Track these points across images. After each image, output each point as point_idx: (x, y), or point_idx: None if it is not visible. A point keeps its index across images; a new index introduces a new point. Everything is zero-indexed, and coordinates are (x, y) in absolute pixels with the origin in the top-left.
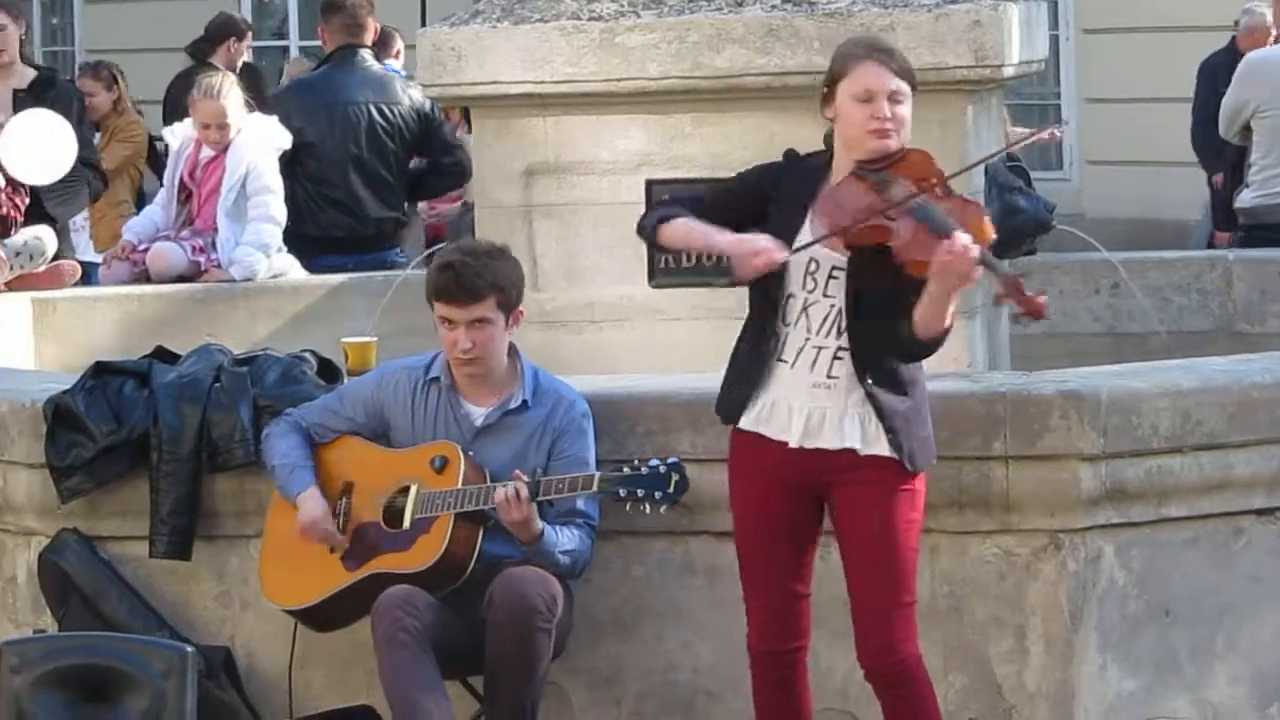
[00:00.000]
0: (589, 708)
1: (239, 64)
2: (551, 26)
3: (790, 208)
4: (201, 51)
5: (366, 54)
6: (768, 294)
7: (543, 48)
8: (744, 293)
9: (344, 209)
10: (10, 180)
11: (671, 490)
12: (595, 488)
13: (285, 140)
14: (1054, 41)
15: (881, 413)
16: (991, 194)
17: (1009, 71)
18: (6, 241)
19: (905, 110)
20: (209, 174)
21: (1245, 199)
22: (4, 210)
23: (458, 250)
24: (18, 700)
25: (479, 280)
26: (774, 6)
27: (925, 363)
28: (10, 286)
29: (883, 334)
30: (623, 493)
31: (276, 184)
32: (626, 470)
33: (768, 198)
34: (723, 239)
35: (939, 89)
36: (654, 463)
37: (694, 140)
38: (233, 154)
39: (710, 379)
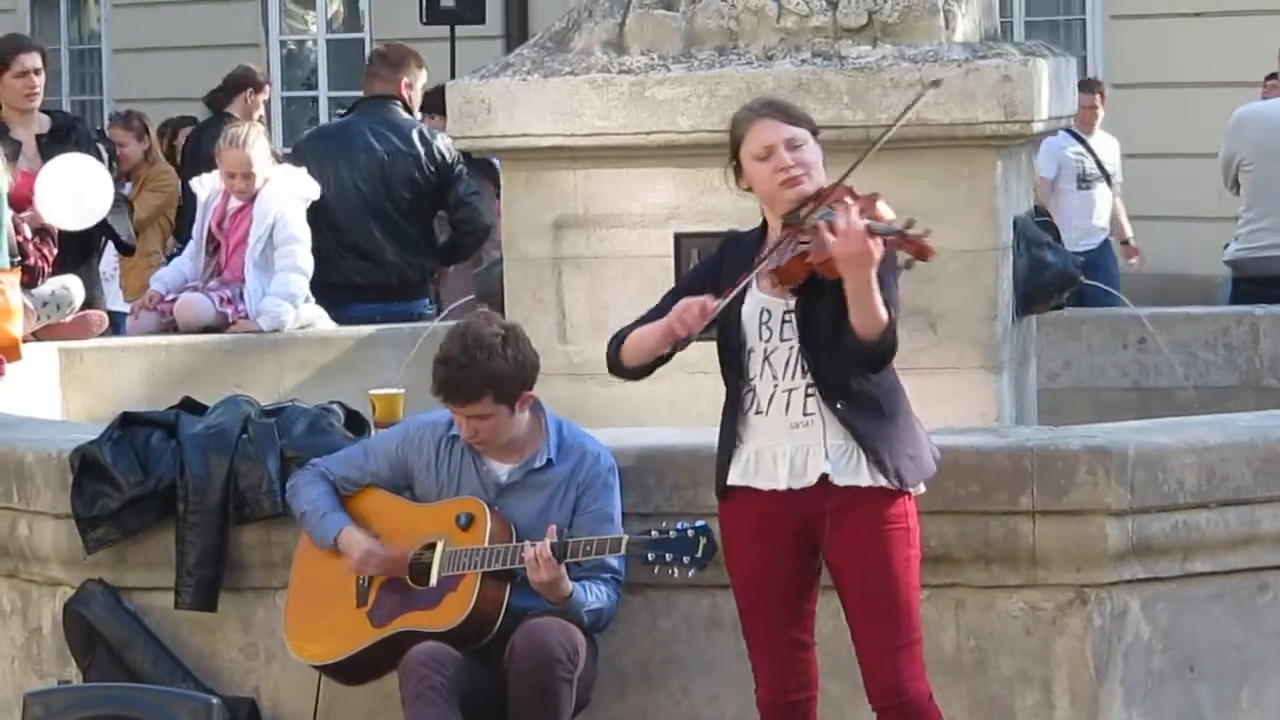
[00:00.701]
0: None
1: (256, 115)
2: (582, 79)
3: (733, 280)
4: (218, 102)
5: (397, 105)
6: (730, 358)
7: (572, 100)
8: None
9: (362, 254)
10: (38, 230)
11: (700, 554)
12: (623, 551)
13: (313, 191)
14: None
15: (860, 437)
16: (1020, 249)
17: (1038, 127)
18: (34, 291)
19: (808, 154)
20: (236, 224)
21: (1230, 252)
22: (32, 260)
23: (459, 342)
24: None
25: (472, 383)
26: (804, 61)
27: (950, 416)
28: (38, 336)
29: (841, 360)
30: (650, 556)
31: (304, 234)
32: (654, 534)
33: (716, 282)
34: (661, 320)
35: (968, 144)
36: (682, 525)
37: (723, 194)
38: (260, 204)
39: None
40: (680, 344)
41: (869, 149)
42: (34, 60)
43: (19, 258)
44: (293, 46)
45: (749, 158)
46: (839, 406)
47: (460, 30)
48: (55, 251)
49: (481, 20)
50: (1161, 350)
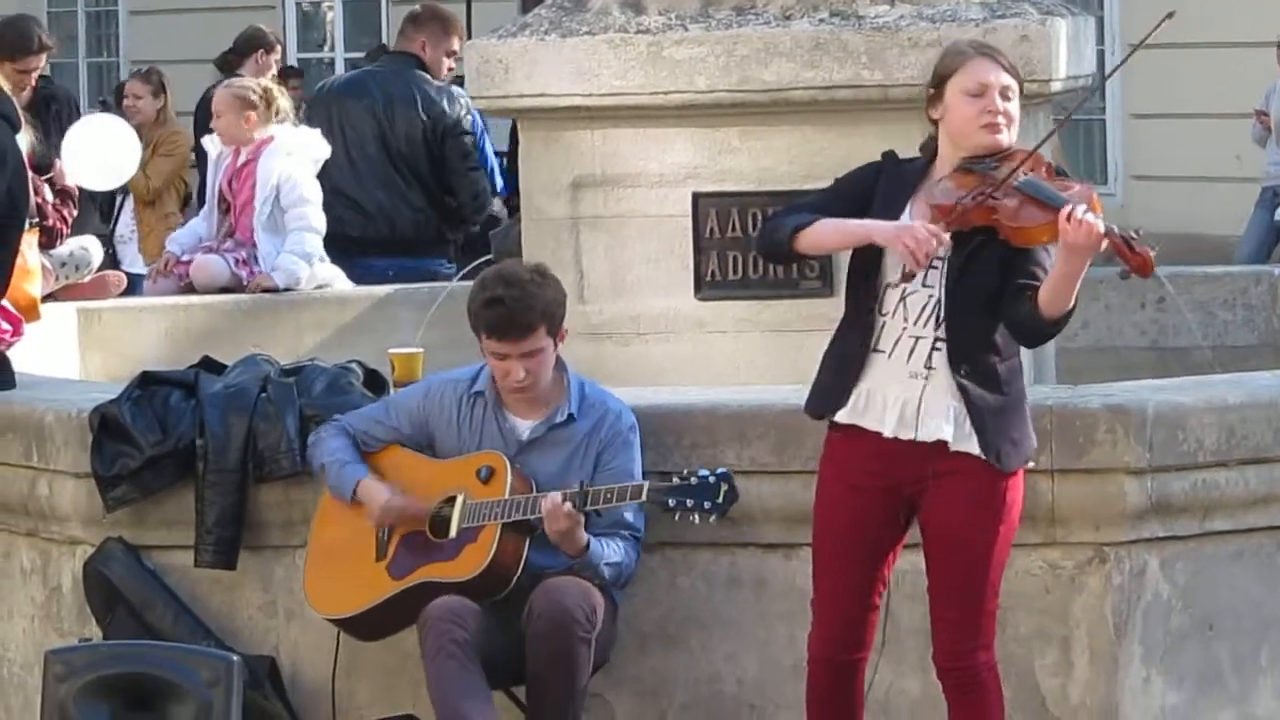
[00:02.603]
0: (633, 719)
1: (268, 76)
2: (599, 39)
3: (890, 206)
4: (230, 64)
5: (412, 63)
6: (867, 284)
7: (590, 60)
8: (789, 306)
9: (358, 207)
10: (58, 192)
11: (721, 500)
12: (644, 498)
13: (323, 150)
14: (1100, 56)
15: (972, 407)
16: None
17: (1056, 86)
18: (53, 252)
19: (1015, 108)
20: (242, 183)
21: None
22: (50, 221)
23: (501, 282)
24: (63, 709)
25: (529, 313)
26: (822, 20)
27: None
28: (56, 297)
29: (980, 326)
30: (671, 503)
31: (313, 193)
32: (675, 480)
33: (868, 199)
34: (879, 227)
35: None
36: (703, 473)
37: (741, 153)
38: (261, 166)
39: (757, 391)
40: (905, 275)
41: (1069, 114)
42: (39, 62)
43: (38, 219)
44: (308, 8)
45: (958, 90)
46: (962, 370)
47: None
48: (75, 213)
49: None
50: (1180, 310)
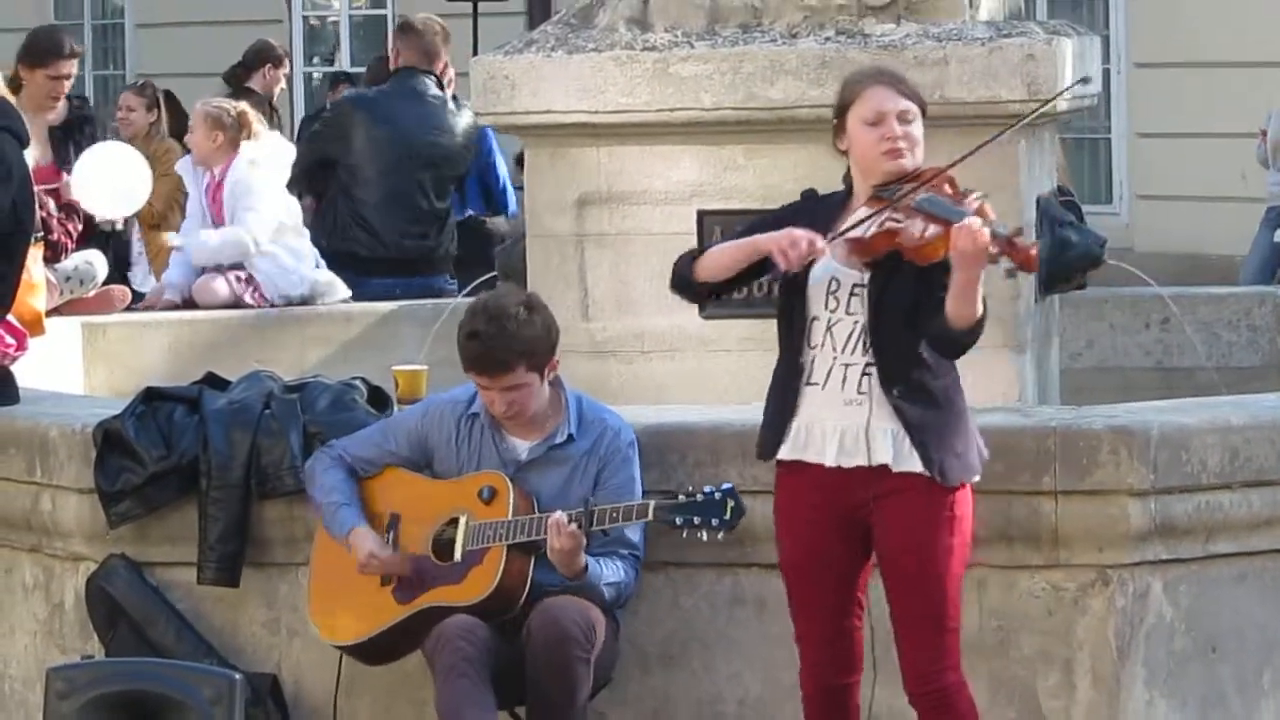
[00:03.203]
0: None
1: (276, 90)
2: (605, 56)
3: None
4: (238, 77)
5: (429, 81)
6: (792, 321)
7: (596, 77)
8: None
9: (369, 229)
10: (63, 206)
11: (729, 516)
12: (650, 516)
13: (290, 157)
14: (1105, 75)
15: (910, 426)
16: (1043, 228)
17: (1062, 106)
18: (57, 266)
19: (916, 130)
20: (216, 202)
21: None
22: (55, 236)
23: (484, 315)
24: None
25: (506, 353)
26: (828, 39)
27: (973, 396)
28: (61, 311)
29: (907, 345)
30: (678, 520)
31: (258, 201)
32: (681, 498)
33: None
34: (762, 237)
35: (991, 123)
36: (708, 489)
37: (747, 171)
38: (228, 183)
39: (760, 410)
40: (777, 274)
41: (986, 141)
42: (71, 67)
43: (42, 233)
44: (315, 22)
45: (856, 120)
46: (895, 392)
47: (483, 7)
48: (80, 228)
49: None
50: (1184, 330)
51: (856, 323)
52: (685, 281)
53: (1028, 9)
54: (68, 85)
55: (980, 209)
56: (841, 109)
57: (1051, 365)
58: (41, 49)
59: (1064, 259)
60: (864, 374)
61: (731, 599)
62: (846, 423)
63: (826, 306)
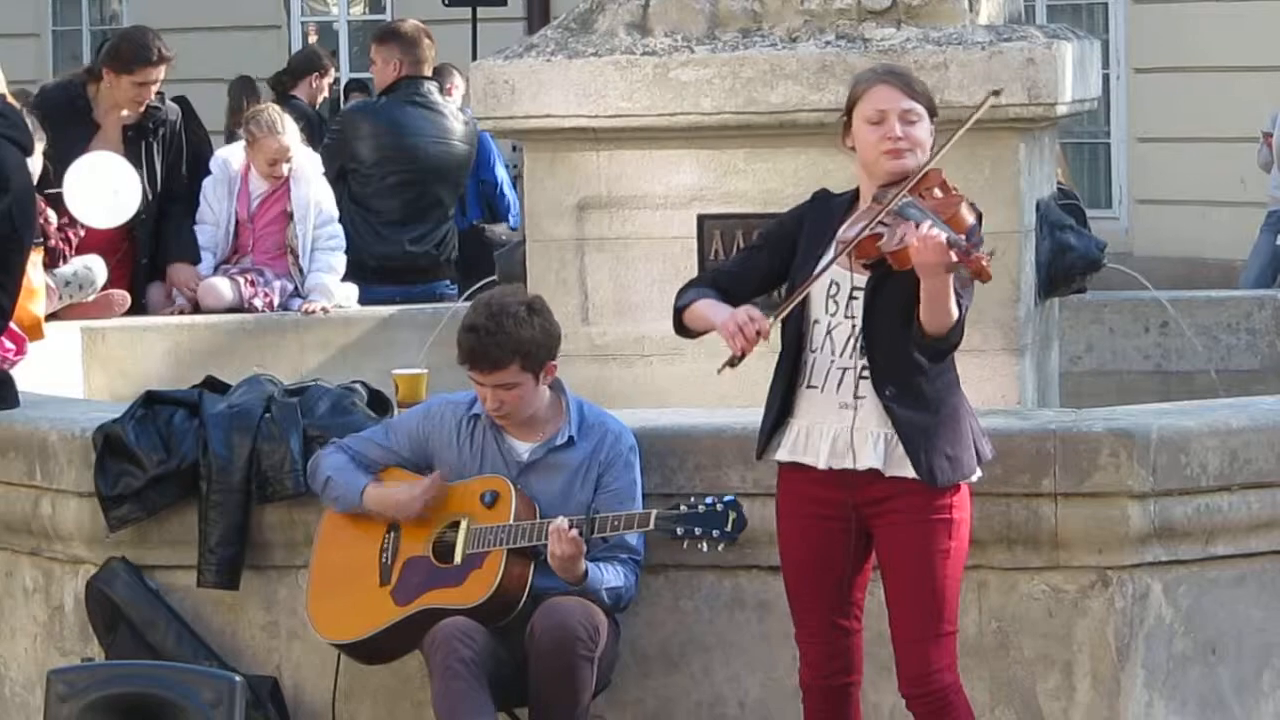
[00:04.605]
0: None
1: (320, 99)
2: (605, 61)
3: (814, 243)
4: (284, 85)
5: (431, 86)
6: (792, 326)
7: (596, 82)
8: None
9: (382, 238)
10: (65, 212)
11: (730, 529)
12: (652, 526)
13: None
14: (1105, 80)
15: (901, 430)
16: (1043, 232)
17: (1062, 109)
18: (56, 271)
19: (919, 131)
20: (267, 207)
21: None
22: (53, 242)
23: (486, 311)
24: None
25: (500, 350)
26: (828, 43)
27: (973, 398)
28: (60, 316)
29: (900, 348)
30: (680, 531)
31: (336, 211)
32: (683, 508)
33: (793, 242)
34: (717, 318)
35: (991, 126)
36: (710, 500)
37: (747, 176)
38: (296, 191)
39: (761, 413)
40: (736, 361)
41: (948, 142)
42: (159, 73)
43: (40, 239)
44: (314, 28)
45: (860, 119)
46: (887, 393)
47: (482, 12)
48: (80, 235)
49: (503, 2)
50: (1184, 334)
51: (854, 325)
52: (678, 319)
53: (1028, 14)
54: (154, 91)
55: (955, 216)
56: (849, 106)
57: (1051, 368)
58: (126, 55)
59: (1063, 263)
60: (860, 377)
61: (732, 601)
62: (840, 426)
63: (827, 310)
